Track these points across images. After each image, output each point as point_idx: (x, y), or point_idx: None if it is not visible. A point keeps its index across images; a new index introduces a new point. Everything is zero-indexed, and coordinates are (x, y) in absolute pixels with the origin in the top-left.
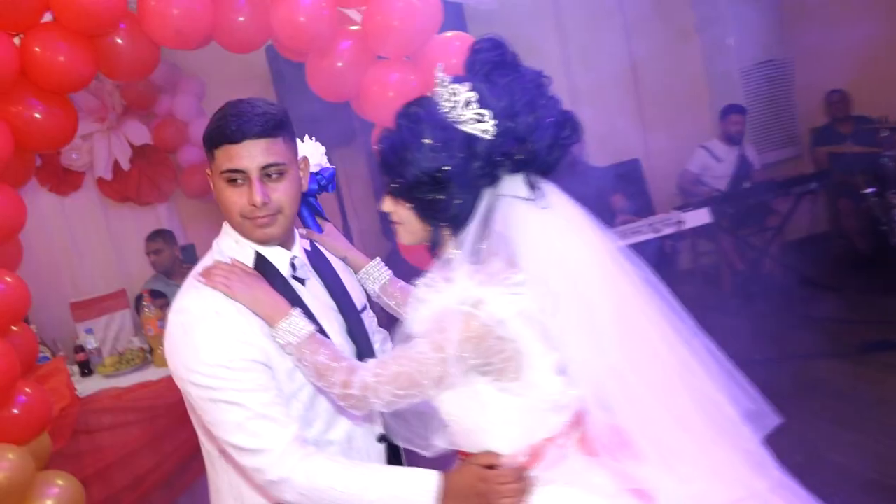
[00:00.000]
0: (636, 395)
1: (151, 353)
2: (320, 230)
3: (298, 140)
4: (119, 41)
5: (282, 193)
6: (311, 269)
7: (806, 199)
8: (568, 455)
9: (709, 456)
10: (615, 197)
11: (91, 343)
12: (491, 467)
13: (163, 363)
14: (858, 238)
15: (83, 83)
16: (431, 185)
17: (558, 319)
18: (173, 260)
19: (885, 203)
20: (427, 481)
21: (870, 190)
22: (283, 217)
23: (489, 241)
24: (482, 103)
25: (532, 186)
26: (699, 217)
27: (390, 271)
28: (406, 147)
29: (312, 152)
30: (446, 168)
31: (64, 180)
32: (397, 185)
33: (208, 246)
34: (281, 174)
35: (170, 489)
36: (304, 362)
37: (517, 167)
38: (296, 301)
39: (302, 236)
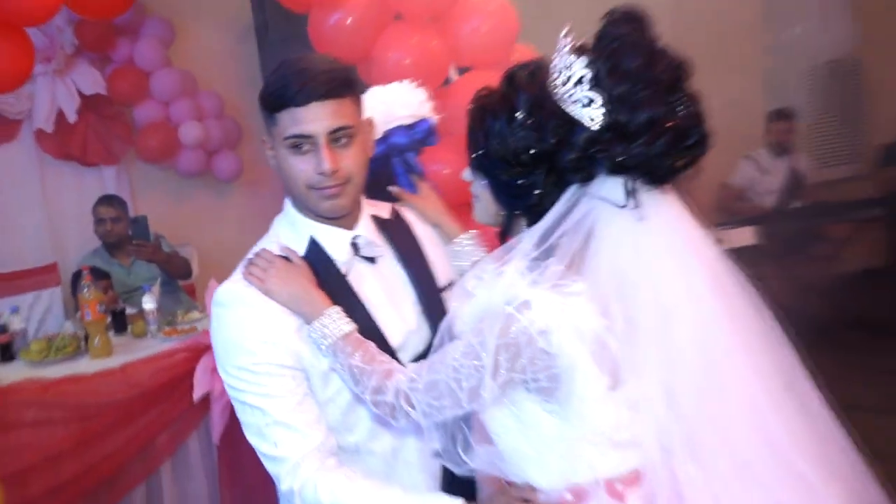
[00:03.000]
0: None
1: (86, 341)
2: (414, 190)
3: (395, 85)
4: None
5: (351, 160)
6: (384, 243)
7: (867, 228)
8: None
9: None
10: None
11: (16, 323)
12: (527, 502)
13: (100, 355)
14: None
15: (47, 16)
16: (512, 165)
17: (625, 347)
18: (123, 234)
19: None
20: None
21: None
22: (352, 186)
23: (561, 241)
24: (595, 85)
25: (629, 193)
26: (742, 237)
27: (485, 248)
28: (496, 115)
29: (409, 100)
30: (534, 151)
31: None
32: (476, 157)
33: (162, 219)
34: (350, 139)
35: (95, 502)
36: (339, 364)
37: (617, 169)
38: (347, 293)
39: (392, 195)
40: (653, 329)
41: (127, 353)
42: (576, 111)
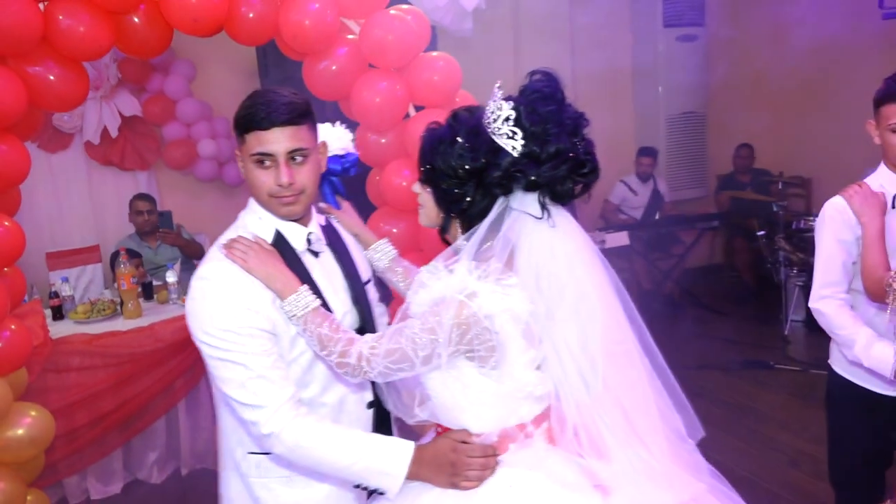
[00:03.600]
0: (609, 401)
1: (121, 305)
2: (339, 207)
3: (328, 125)
4: (136, 20)
5: (305, 175)
6: (325, 243)
7: (707, 235)
8: (534, 442)
9: (662, 461)
10: None
11: (65, 290)
12: (464, 443)
13: (132, 316)
14: (747, 272)
15: (100, 54)
16: (451, 177)
17: (547, 324)
18: (155, 223)
19: (773, 245)
20: (403, 451)
21: (761, 233)
22: (305, 196)
23: (493, 244)
24: (517, 123)
25: (543, 206)
26: (619, 239)
27: (396, 250)
28: (442, 140)
29: (340, 137)
30: (468, 167)
31: (53, 139)
32: (425, 171)
33: (182, 213)
34: (304, 157)
35: (126, 430)
36: (308, 333)
37: (530, 187)
38: (305, 276)
39: (320, 211)
40: (567, 307)
41: (153, 315)
42: (502, 141)
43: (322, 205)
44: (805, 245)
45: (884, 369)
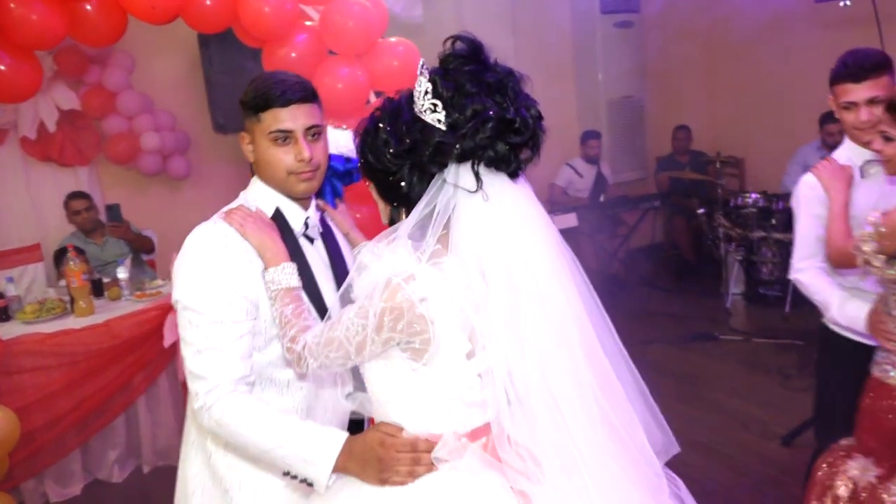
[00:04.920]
0: (551, 403)
1: (72, 303)
2: (335, 206)
3: (334, 128)
4: (88, 8)
5: (320, 152)
6: (319, 231)
7: (649, 214)
8: (468, 451)
9: (604, 476)
10: None
11: (11, 290)
12: (392, 437)
13: (84, 313)
14: (688, 249)
15: (53, 43)
16: (384, 166)
17: (486, 313)
18: (95, 220)
19: (712, 223)
20: (333, 442)
21: (701, 211)
22: (320, 173)
23: (433, 223)
24: (434, 94)
25: (476, 176)
26: (568, 220)
27: None
28: (367, 131)
29: (347, 141)
30: (392, 150)
31: None
32: (361, 167)
33: (127, 208)
34: (318, 135)
35: (84, 430)
36: (275, 309)
37: (460, 157)
38: (298, 255)
39: (317, 207)
40: (503, 289)
41: (107, 312)
42: (427, 117)
43: (319, 201)
44: (742, 221)
45: (858, 326)
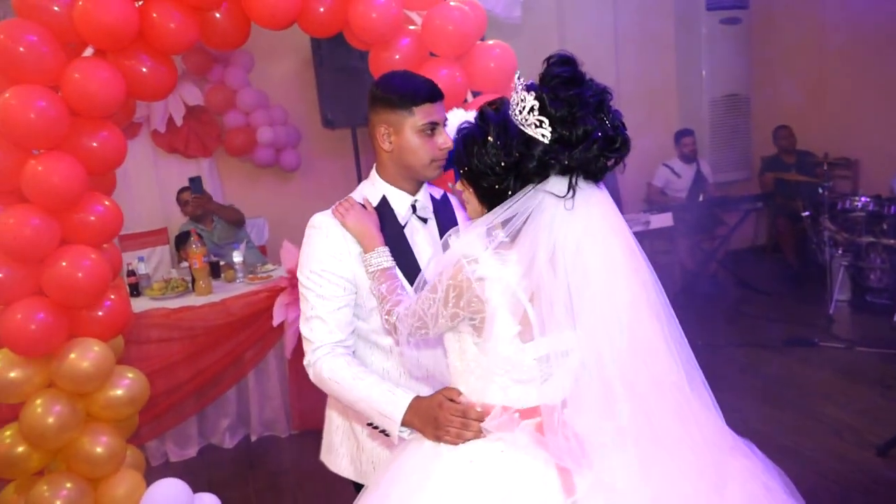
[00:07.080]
0: (611, 393)
1: (193, 283)
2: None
3: (458, 109)
4: (218, 16)
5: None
6: (431, 210)
7: (751, 216)
8: (519, 427)
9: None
10: None
11: (142, 269)
12: (451, 401)
13: (203, 293)
14: (791, 253)
15: (186, 47)
16: (489, 176)
17: (548, 304)
18: (201, 205)
19: (818, 226)
20: (402, 400)
21: (806, 213)
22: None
23: (513, 221)
24: (542, 111)
25: (571, 187)
26: (663, 220)
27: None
28: (475, 141)
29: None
30: (504, 163)
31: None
32: (464, 173)
33: (241, 198)
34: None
35: (201, 398)
36: (373, 288)
37: (565, 170)
38: (400, 238)
39: (450, 191)
40: (578, 284)
41: (223, 292)
42: (531, 131)
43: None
44: (850, 225)
45: None
